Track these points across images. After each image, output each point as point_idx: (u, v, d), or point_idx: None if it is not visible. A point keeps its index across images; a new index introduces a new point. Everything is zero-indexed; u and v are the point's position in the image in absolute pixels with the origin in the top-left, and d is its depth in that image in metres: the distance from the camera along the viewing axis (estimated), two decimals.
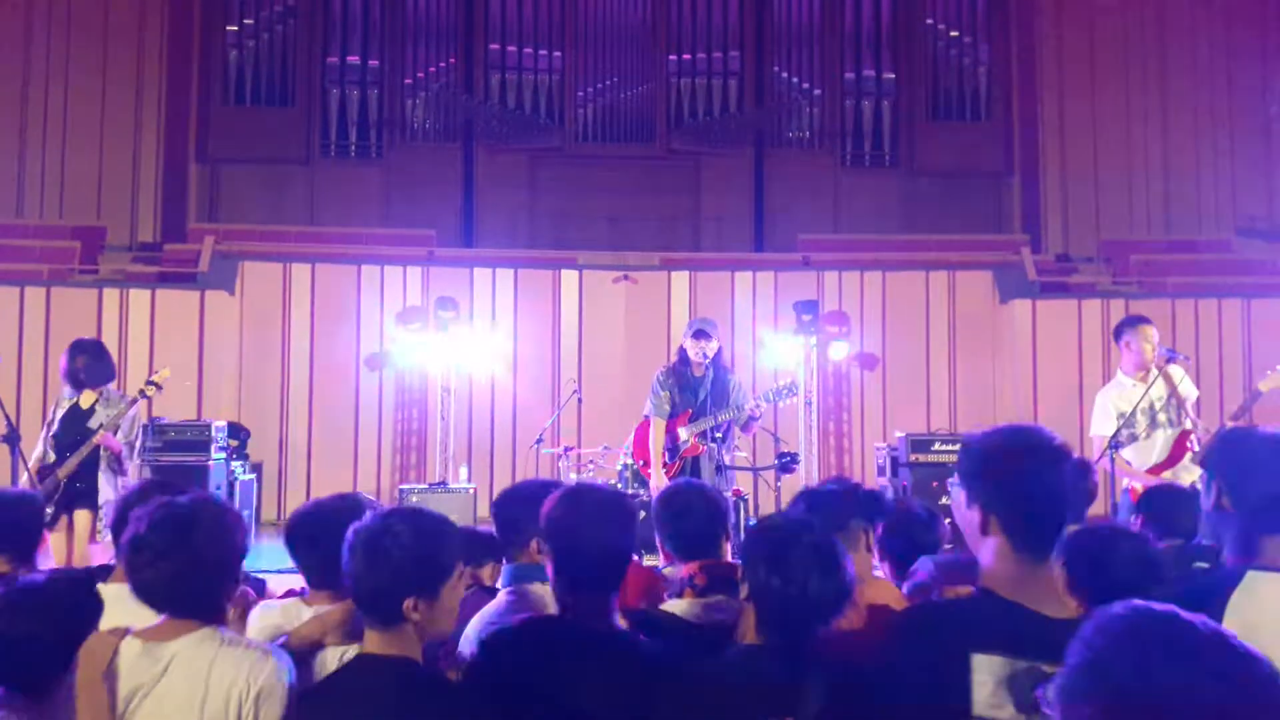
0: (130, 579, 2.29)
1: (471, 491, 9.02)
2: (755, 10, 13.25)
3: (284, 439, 10.41)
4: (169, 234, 12.34)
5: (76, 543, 5.72)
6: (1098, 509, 4.73)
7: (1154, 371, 5.57)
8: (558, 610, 2.43)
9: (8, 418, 5.45)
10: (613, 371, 10.24)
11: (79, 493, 5.74)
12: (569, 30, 13.04)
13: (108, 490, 5.72)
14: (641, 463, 6.46)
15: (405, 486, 9.31)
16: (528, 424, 10.07)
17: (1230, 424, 5.25)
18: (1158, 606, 1.27)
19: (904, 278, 10.96)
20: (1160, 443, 5.51)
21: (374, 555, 2.10)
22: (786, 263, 11.51)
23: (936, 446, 8.51)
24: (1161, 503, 3.66)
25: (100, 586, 2.61)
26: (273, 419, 10.35)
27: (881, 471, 9.20)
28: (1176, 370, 5.65)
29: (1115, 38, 13.34)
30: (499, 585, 2.97)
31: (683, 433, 6.24)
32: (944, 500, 7.14)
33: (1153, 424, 5.53)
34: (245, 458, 9.29)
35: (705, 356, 6.23)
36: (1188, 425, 5.52)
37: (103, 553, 5.29)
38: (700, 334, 6.25)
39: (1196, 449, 5.45)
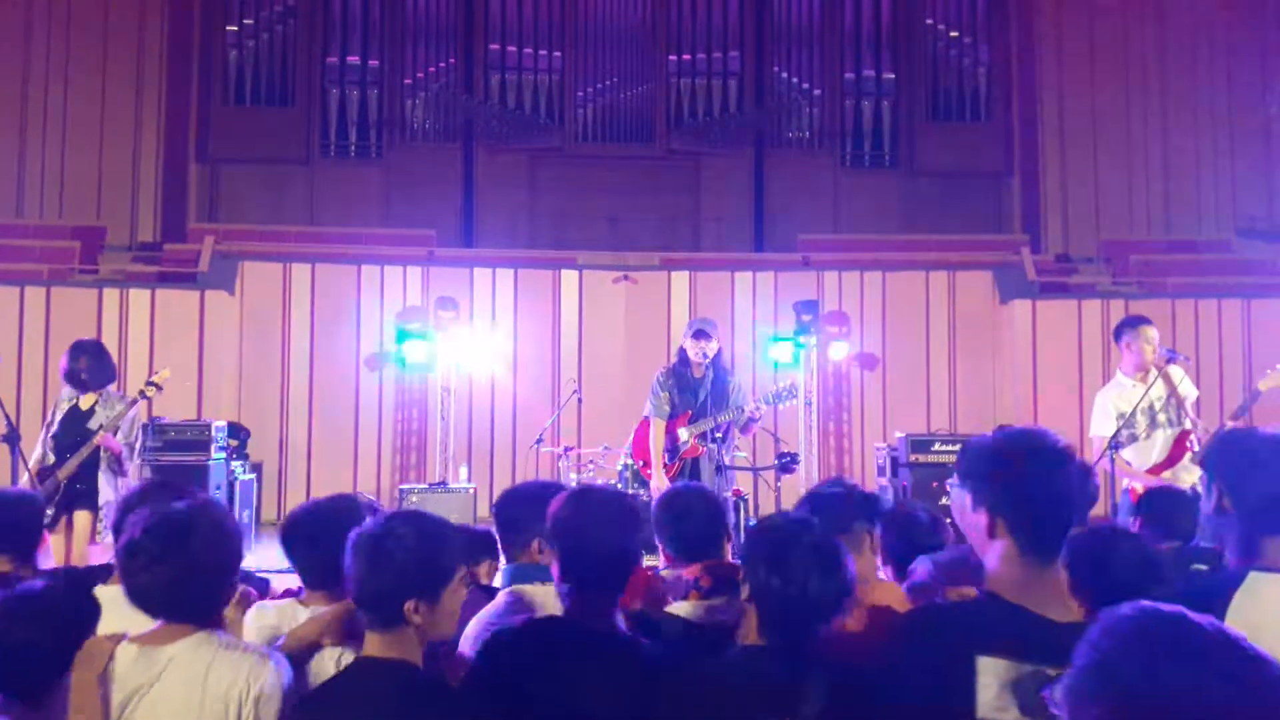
0: (125, 584, 2.30)
1: (471, 491, 9.03)
2: (755, 10, 13.25)
3: (284, 439, 10.41)
4: (169, 234, 12.34)
5: (75, 543, 5.71)
6: (1098, 510, 4.73)
7: (1153, 372, 5.57)
8: (562, 611, 2.43)
9: (8, 418, 5.45)
10: (613, 371, 10.24)
11: (79, 494, 5.73)
12: (569, 30, 13.03)
13: (108, 491, 5.72)
14: (641, 463, 6.45)
15: (405, 486, 9.31)
16: (528, 424, 10.07)
17: (1230, 424, 5.26)
18: (1165, 608, 1.27)
19: (904, 278, 10.96)
20: (1160, 443, 5.51)
21: (376, 557, 2.11)
22: (786, 263, 11.51)
23: (936, 447, 8.50)
24: (1160, 505, 3.66)
25: (100, 588, 2.61)
26: (273, 419, 10.35)
27: (881, 472, 9.20)
28: (1176, 371, 5.65)
29: (1115, 38, 13.34)
30: (497, 584, 2.97)
31: (683, 434, 6.23)
32: (944, 501, 7.14)
33: (1152, 424, 5.53)
34: (245, 457, 9.30)
35: (705, 357, 6.23)
36: (1187, 425, 5.52)
37: (102, 553, 5.28)
38: (700, 334, 6.25)
39: (1196, 449, 5.45)
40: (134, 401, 5.97)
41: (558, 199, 12.99)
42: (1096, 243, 12.85)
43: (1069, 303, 10.66)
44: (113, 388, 6.05)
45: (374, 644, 2.13)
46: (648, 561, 4.32)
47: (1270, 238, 12.62)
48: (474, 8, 13.04)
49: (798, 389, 6.76)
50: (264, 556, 6.84)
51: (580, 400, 9.46)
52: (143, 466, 7.29)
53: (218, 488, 8.04)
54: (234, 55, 12.87)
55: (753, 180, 13.27)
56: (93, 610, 2.40)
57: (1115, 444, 5.47)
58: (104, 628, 2.50)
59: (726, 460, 6.32)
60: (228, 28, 12.86)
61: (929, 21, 13.33)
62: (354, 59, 12.95)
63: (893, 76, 13.27)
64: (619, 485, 7.35)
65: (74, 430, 5.82)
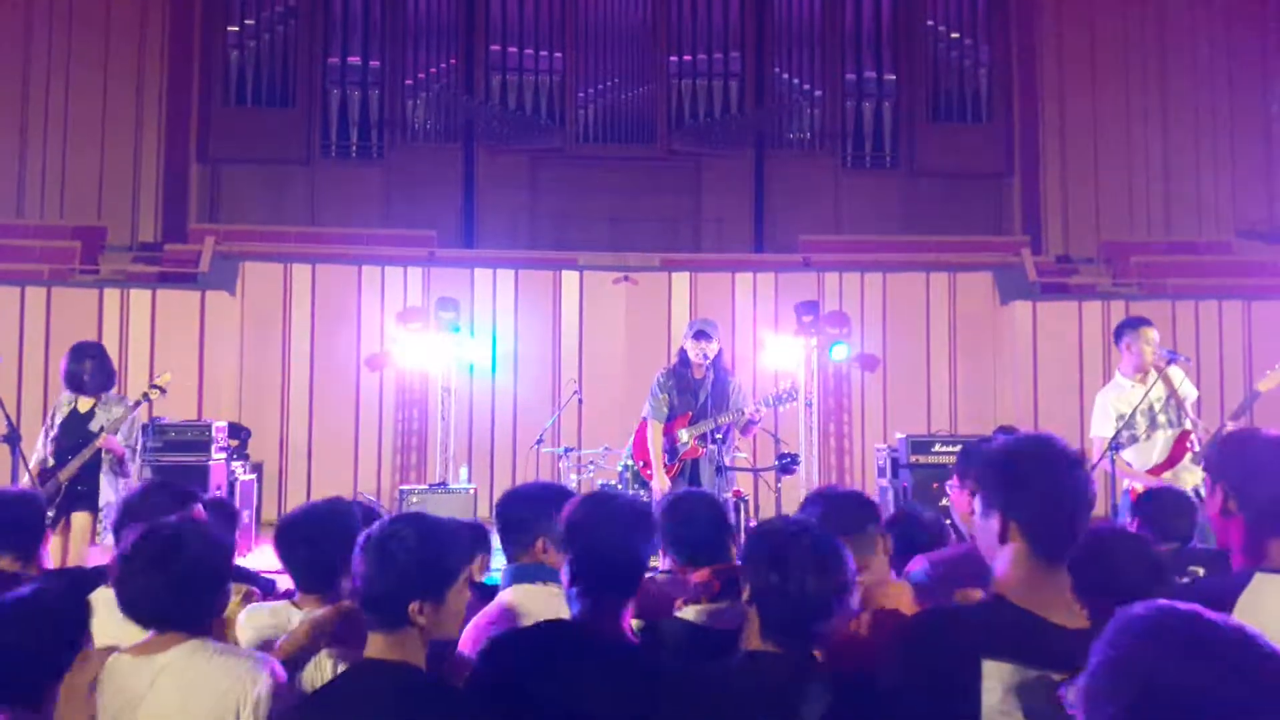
0: (118, 596, 2.34)
1: (472, 492, 9.01)
2: (756, 11, 13.25)
3: (284, 439, 10.41)
4: (170, 234, 12.35)
5: (73, 544, 5.71)
6: (1097, 510, 4.72)
7: (1153, 373, 5.57)
8: (569, 613, 2.43)
9: (8, 418, 5.45)
10: (613, 372, 10.24)
11: (79, 495, 5.74)
12: (569, 31, 13.04)
13: (109, 492, 5.72)
14: (641, 464, 6.46)
15: (405, 487, 9.30)
16: (528, 425, 10.07)
17: (1230, 424, 5.26)
18: (1181, 606, 1.27)
19: (904, 279, 10.96)
20: (1160, 443, 5.51)
21: (380, 558, 2.11)
22: (787, 264, 11.51)
23: (937, 448, 8.49)
24: (1157, 505, 3.65)
25: (100, 590, 2.62)
26: (273, 419, 10.36)
27: (882, 473, 9.20)
28: (1176, 372, 5.65)
29: (1115, 38, 13.35)
30: (493, 582, 2.97)
31: (683, 435, 6.23)
32: (944, 502, 7.13)
33: (1152, 425, 5.54)
34: (246, 458, 9.31)
35: (706, 358, 6.23)
36: (1187, 426, 5.52)
37: (102, 554, 5.28)
38: (701, 335, 6.25)
39: (1196, 449, 5.45)
40: (136, 404, 5.98)
41: (558, 200, 13.00)
42: (1097, 244, 12.86)
43: (1069, 304, 10.67)
44: (113, 390, 6.05)
45: (377, 645, 2.13)
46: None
47: (1270, 239, 12.62)
48: (475, 8, 13.04)
49: (798, 391, 6.76)
50: (265, 557, 6.84)
51: (581, 401, 9.46)
52: (143, 467, 7.29)
53: (218, 488, 8.04)
54: (235, 55, 12.88)
55: (753, 181, 13.27)
56: (83, 614, 2.41)
57: (1115, 445, 5.47)
58: (102, 630, 2.51)
59: (726, 461, 6.33)
60: (229, 28, 12.87)
61: (929, 22, 13.33)
62: (355, 59, 12.95)
63: (893, 77, 13.27)
64: (619, 486, 7.34)
65: (74, 433, 5.82)
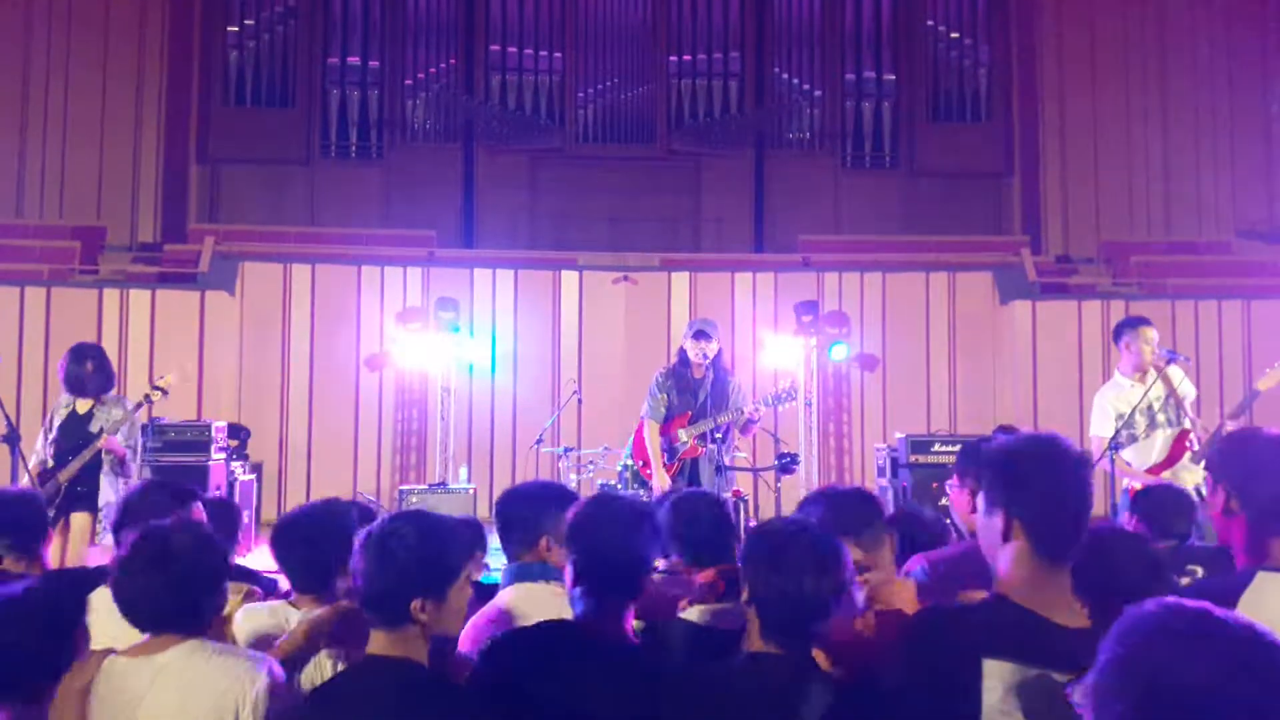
0: (115, 599, 2.35)
1: (471, 492, 9.02)
2: (755, 11, 13.25)
3: (284, 439, 10.41)
4: (169, 234, 12.35)
5: (72, 544, 5.71)
6: (1097, 510, 4.72)
7: (1152, 373, 5.57)
8: (571, 613, 2.43)
9: (8, 418, 5.45)
10: (613, 372, 10.24)
11: (79, 496, 5.73)
12: (569, 31, 13.04)
13: (109, 492, 5.72)
14: (641, 463, 6.46)
15: (405, 487, 9.31)
16: (528, 425, 10.07)
17: (1229, 423, 5.26)
18: (1189, 603, 1.27)
19: (904, 279, 10.97)
20: (1160, 443, 5.52)
21: (381, 557, 2.11)
22: (787, 264, 11.51)
23: (936, 447, 8.49)
24: (1156, 503, 3.64)
25: (100, 590, 2.62)
26: (273, 419, 10.36)
27: (881, 472, 9.20)
28: (1176, 371, 5.66)
29: (1115, 38, 13.35)
30: (490, 581, 2.97)
31: (682, 434, 6.24)
32: (943, 502, 7.14)
33: (1151, 424, 5.54)
34: (245, 458, 9.31)
35: (705, 357, 6.23)
36: (1186, 425, 5.53)
37: (101, 555, 5.28)
38: (700, 335, 6.25)
39: (1195, 448, 5.45)
40: (138, 405, 5.99)
41: (558, 200, 13.00)
42: (1096, 243, 12.86)
43: (1069, 303, 10.67)
44: (112, 391, 6.05)
45: (379, 642, 2.13)
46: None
47: (1270, 239, 12.62)
48: (474, 8, 13.04)
49: (797, 391, 6.76)
50: (265, 557, 6.83)
51: (580, 401, 9.46)
52: (143, 467, 7.29)
53: (217, 488, 8.04)
54: (234, 56, 12.88)
55: (753, 181, 13.27)
56: (77, 611, 2.43)
57: (1115, 444, 5.48)
58: (101, 631, 2.51)
59: (726, 461, 6.33)
60: (228, 28, 12.87)
61: (929, 22, 13.33)
62: (354, 60, 12.95)
63: (893, 77, 13.28)
64: (618, 486, 7.35)
65: (74, 434, 5.82)
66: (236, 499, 8.34)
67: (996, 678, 1.80)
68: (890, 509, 3.60)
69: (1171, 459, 5.44)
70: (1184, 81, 13.21)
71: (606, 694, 2.18)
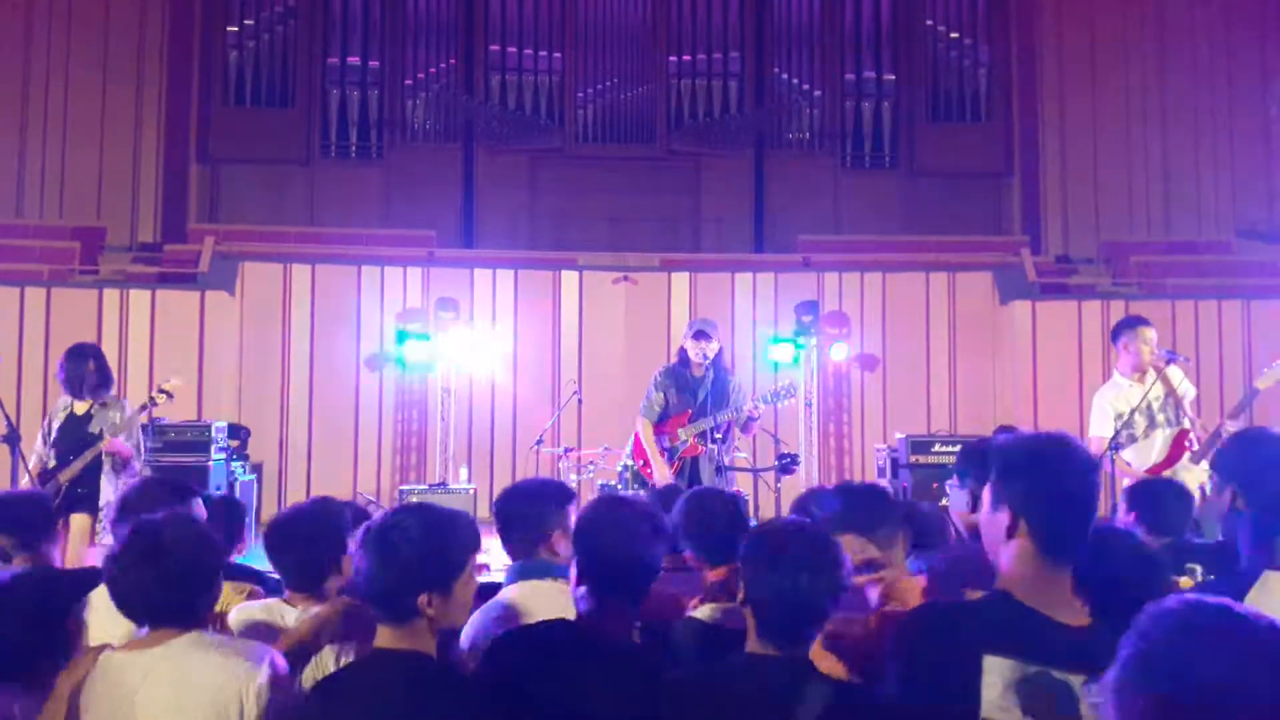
0: (111, 594, 2.34)
1: (472, 492, 9.03)
2: (755, 11, 13.25)
3: (284, 439, 10.41)
4: (169, 234, 12.35)
5: (71, 545, 5.71)
6: (1099, 511, 4.71)
7: (1152, 373, 5.58)
8: (574, 612, 2.43)
9: (8, 418, 5.46)
10: (613, 372, 10.24)
11: (79, 497, 5.74)
12: (569, 31, 13.04)
13: (109, 493, 5.72)
14: (641, 463, 6.46)
15: (405, 487, 9.32)
16: (528, 424, 10.07)
17: (1229, 422, 5.28)
18: (1210, 600, 1.28)
19: (904, 279, 10.96)
20: (1159, 442, 5.52)
21: (384, 552, 2.09)
22: (787, 264, 11.51)
23: (936, 448, 8.50)
24: (1154, 498, 3.59)
25: (100, 589, 2.63)
26: (273, 419, 10.36)
27: (882, 473, 9.20)
28: (1175, 371, 5.66)
29: (1115, 39, 13.34)
30: (495, 580, 2.97)
31: (682, 433, 6.25)
32: (943, 502, 7.14)
33: (1151, 424, 5.55)
34: (245, 458, 9.31)
35: (705, 357, 6.24)
36: (1186, 424, 5.53)
37: (101, 555, 5.28)
38: (700, 335, 6.26)
39: (1195, 448, 5.46)
40: (142, 408, 5.99)
41: (558, 200, 13.00)
42: (1096, 244, 12.85)
43: (1069, 303, 10.66)
44: (111, 391, 6.05)
45: (386, 636, 2.12)
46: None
47: (1270, 239, 12.62)
48: (474, 8, 13.04)
49: (796, 388, 6.78)
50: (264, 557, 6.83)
51: (580, 401, 9.46)
52: (144, 467, 7.29)
53: (218, 488, 8.05)
54: (234, 56, 12.88)
55: (753, 181, 13.28)
56: (66, 603, 2.45)
57: (1115, 444, 5.48)
58: (101, 629, 2.52)
59: (727, 461, 6.34)
60: (228, 28, 12.87)
61: (929, 22, 13.33)
62: (354, 60, 12.95)
63: (893, 77, 13.28)
64: (618, 486, 7.35)
65: (74, 435, 5.82)
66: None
67: (996, 674, 1.80)
68: None
69: (1171, 459, 5.44)
70: (1184, 81, 13.21)
71: (606, 694, 2.18)
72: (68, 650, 2.36)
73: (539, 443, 8.89)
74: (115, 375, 6.29)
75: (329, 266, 10.74)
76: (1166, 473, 5.38)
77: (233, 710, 2.18)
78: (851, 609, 2.39)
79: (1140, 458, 5.50)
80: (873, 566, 2.41)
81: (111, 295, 10.00)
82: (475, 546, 2.21)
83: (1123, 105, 13.19)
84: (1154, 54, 13.29)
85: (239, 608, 2.75)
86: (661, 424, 6.31)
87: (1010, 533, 1.91)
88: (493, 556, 3.94)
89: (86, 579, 2.84)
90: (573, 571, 2.44)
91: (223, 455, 8.44)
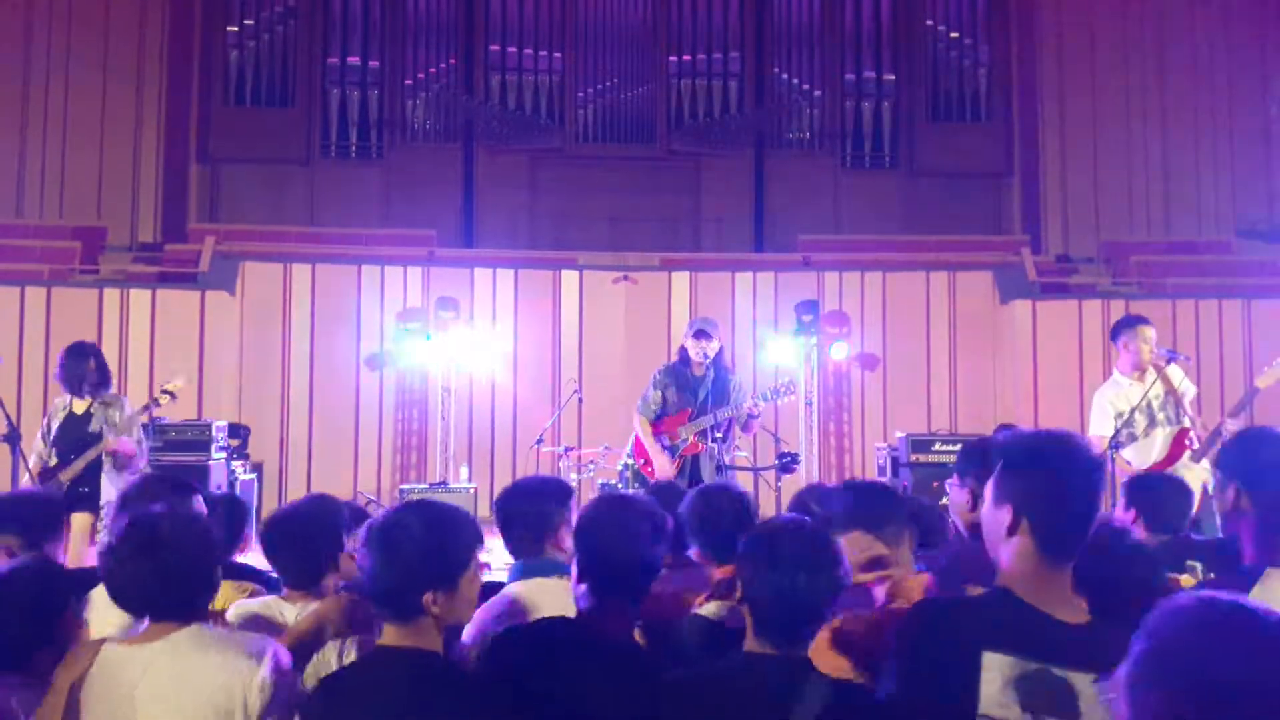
0: (106, 586, 2.33)
1: (472, 491, 9.04)
2: (755, 11, 13.25)
3: (285, 439, 10.42)
4: (169, 234, 12.35)
5: (72, 544, 5.69)
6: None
7: (1152, 372, 5.58)
8: (574, 610, 2.43)
9: (8, 418, 5.46)
10: (613, 371, 10.24)
11: (80, 496, 5.73)
12: (569, 31, 13.04)
13: (110, 492, 5.71)
14: (642, 462, 6.46)
15: (406, 486, 9.35)
16: (528, 424, 10.08)
17: (1230, 421, 5.28)
18: (1223, 596, 1.28)
19: (904, 278, 10.97)
20: (1159, 441, 5.53)
21: (387, 551, 2.08)
22: (787, 263, 11.51)
23: (937, 447, 8.51)
24: (1151, 493, 3.56)
25: (101, 587, 2.63)
26: (273, 419, 10.36)
27: (882, 472, 9.20)
28: (1175, 371, 5.67)
29: (1115, 39, 13.35)
30: (498, 579, 2.98)
31: (682, 431, 6.25)
32: (943, 501, 7.14)
33: (1151, 423, 5.55)
34: (246, 457, 9.32)
35: (706, 356, 6.25)
36: (1186, 423, 5.53)
37: None
38: (701, 334, 6.27)
39: (1195, 446, 5.46)
40: (145, 407, 5.99)
41: (558, 199, 13.00)
42: (1096, 243, 12.86)
43: (1069, 303, 10.67)
44: (109, 390, 6.05)
45: (391, 635, 2.11)
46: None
47: (1270, 238, 12.63)
48: (474, 8, 13.04)
49: (796, 385, 6.78)
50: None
51: (580, 400, 9.47)
52: (145, 466, 7.30)
53: (218, 487, 8.05)
54: (235, 55, 12.88)
55: (753, 181, 13.28)
56: (63, 593, 2.45)
57: (1115, 443, 5.49)
58: (102, 627, 2.52)
59: (727, 460, 6.34)
60: (228, 28, 12.87)
61: (929, 22, 13.33)
62: (354, 59, 12.95)
63: (893, 77, 13.28)
64: (619, 485, 7.36)
65: (74, 434, 5.82)
66: None
67: (995, 670, 1.80)
68: None
69: (1172, 457, 5.44)
70: (1184, 81, 13.22)
71: (605, 692, 2.18)
72: (65, 643, 2.36)
73: (539, 442, 8.90)
74: (115, 375, 6.30)
75: (329, 266, 10.74)
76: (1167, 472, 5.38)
77: (236, 704, 2.16)
78: (859, 607, 2.39)
79: (1140, 456, 5.50)
80: (880, 564, 2.41)
81: (112, 295, 10.01)
82: (478, 542, 2.21)
83: (1123, 105, 13.19)
84: (1154, 54, 13.29)
85: (237, 604, 2.75)
86: (660, 423, 6.31)
87: (1011, 530, 1.90)
88: (493, 556, 3.94)
89: (87, 577, 2.84)
90: (573, 569, 2.44)
91: (223, 454, 8.45)
